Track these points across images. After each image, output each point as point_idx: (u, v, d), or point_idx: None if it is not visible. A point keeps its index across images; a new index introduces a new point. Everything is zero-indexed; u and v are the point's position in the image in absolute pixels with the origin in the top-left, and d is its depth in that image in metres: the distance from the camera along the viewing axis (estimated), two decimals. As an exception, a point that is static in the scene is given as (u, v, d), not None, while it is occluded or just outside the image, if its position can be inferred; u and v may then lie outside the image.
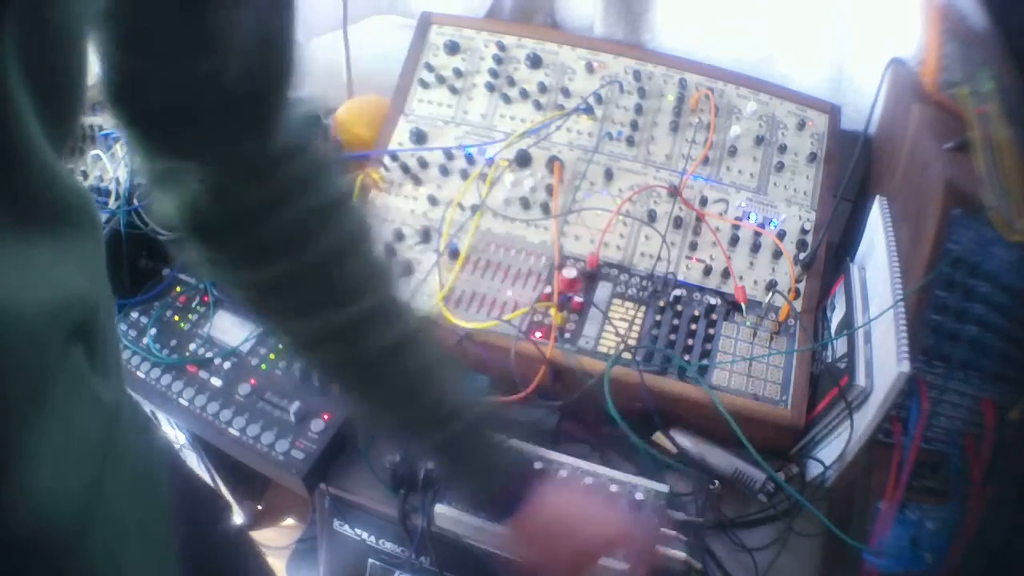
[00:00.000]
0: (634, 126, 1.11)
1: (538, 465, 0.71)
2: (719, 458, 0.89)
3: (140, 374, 1.03)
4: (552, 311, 0.96)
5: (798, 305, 0.98)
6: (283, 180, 0.55)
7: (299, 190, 0.56)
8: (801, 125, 1.12)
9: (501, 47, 1.17)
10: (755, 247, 1.02)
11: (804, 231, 1.04)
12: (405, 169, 1.11)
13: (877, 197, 0.94)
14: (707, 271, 1.01)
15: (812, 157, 1.10)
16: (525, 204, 1.07)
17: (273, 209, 0.55)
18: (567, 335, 0.96)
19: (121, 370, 0.53)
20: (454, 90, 1.16)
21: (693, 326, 0.96)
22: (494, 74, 1.16)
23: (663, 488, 0.85)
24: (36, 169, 0.38)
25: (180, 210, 0.54)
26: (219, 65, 0.47)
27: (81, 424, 0.44)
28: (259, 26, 0.48)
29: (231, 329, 1.04)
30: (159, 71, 0.47)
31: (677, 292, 0.99)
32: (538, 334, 0.95)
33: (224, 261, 0.57)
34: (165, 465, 0.63)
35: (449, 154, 1.11)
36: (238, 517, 1.48)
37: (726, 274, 1.01)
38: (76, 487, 0.43)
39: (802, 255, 1.02)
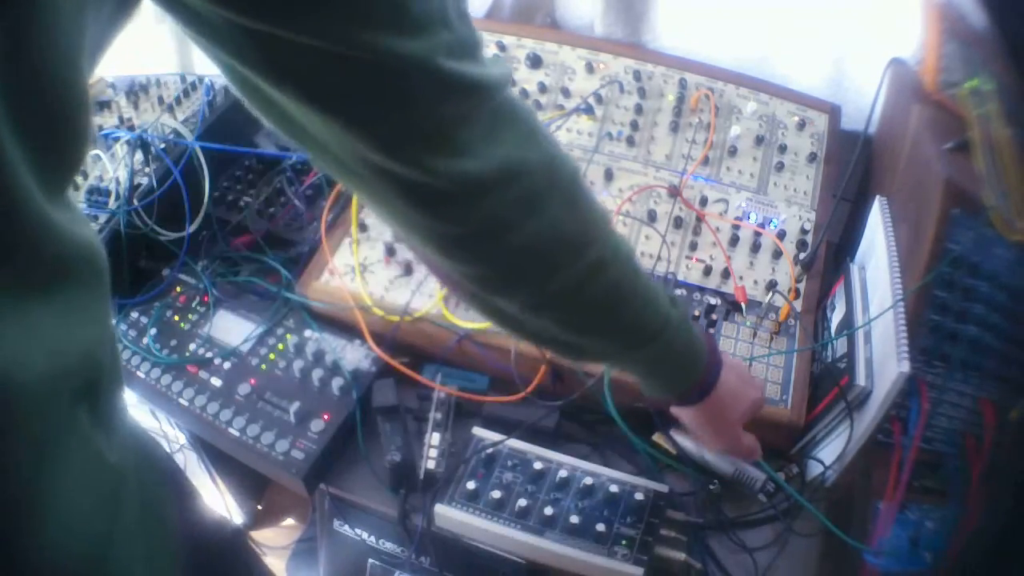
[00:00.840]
0: (634, 126, 1.11)
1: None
2: (719, 458, 0.89)
3: (140, 374, 1.03)
4: (552, 311, 0.96)
5: (798, 305, 0.98)
6: (511, 141, 0.52)
7: (522, 157, 0.53)
8: (801, 125, 1.12)
9: (501, 47, 1.17)
10: (755, 247, 1.02)
11: (804, 231, 1.04)
12: (405, 169, 1.11)
13: (877, 197, 0.94)
14: (707, 271, 1.01)
15: (812, 157, 1.10)
16: (525, 204, 1.07)
17: (509, 174, 0.52)
18: (567, 335, 0.96)
19: (125, 423, 0.52)
20: (454, 90, 1.16)
21: (693, 326, 0.96)
22: (494, 74, 1.16)
23: (663, 488, 0.85)
24: (32, 223, 0.36)
25: (419, 185, 0.50)
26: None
27: (89, 482, 0.43)
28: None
29: (231, 329, 1.04)
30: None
31: (677, 292, 0.99)
32: (538, 334, 0.95)
33: (461, 239, 0.54)
34: (174, 514, 0.63)
35: (449, 154, 1.11)
36: (238, 518, 1.48)
37: (726, 274, 1.01)
38: (87, 543, 0.43)
39: (802, 255, 1.02)
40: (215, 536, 0.79)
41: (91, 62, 0.40)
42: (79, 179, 1.13)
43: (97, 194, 1.13)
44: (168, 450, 1.27)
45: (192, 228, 1.08)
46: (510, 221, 0.53)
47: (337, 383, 0.94)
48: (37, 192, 0.36)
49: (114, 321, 0.52)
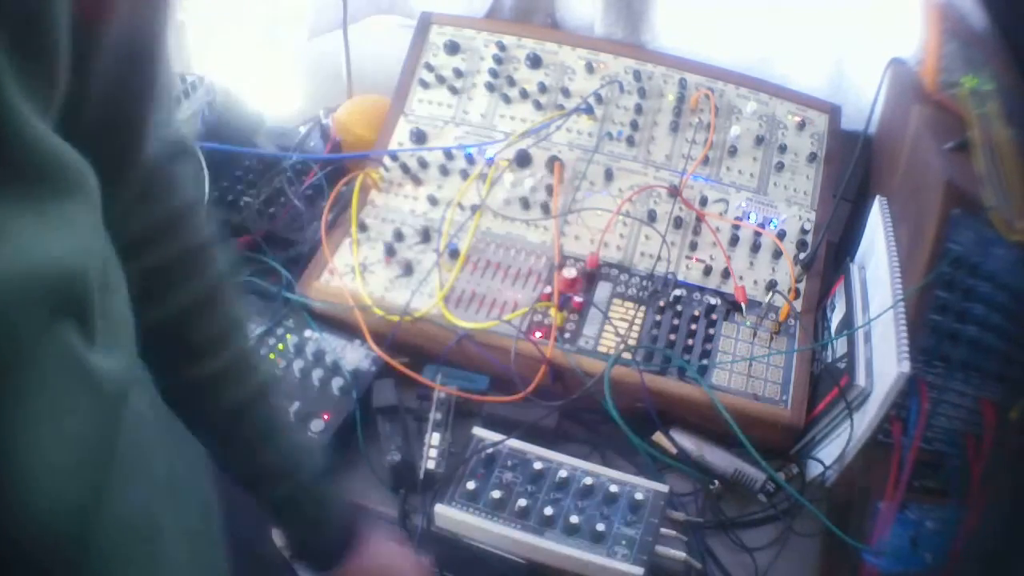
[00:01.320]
0: (634, 126, 1.11)
1: (363, 515, 0.75)
2: (719, 458, 0.89)
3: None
4: (552, 311, 0.96)
5: (798, 305, 0.98)
6: (149, 216, 0.52)
7: (165, 229, 0.54)
8: (801, 125, 1.12)
9: (501, 47, 1.17)
10: (755, 247, 1.02)
11: (804, 231, 1.04)
12: (405, 169, 1.11)
13: (877, 197, 0.94)
14: (707, 271, 1.01)
15: (812, 157, 1.10)
16: (525, 204, 1.07)
17: (137, 248, 0.51)
18: (567, 335, 0.96)
19: (134, 345, 0.49)
20: (454, 90, 1.16)
21: (693, 326, 0.96)
22: (494, 74, 1.16)
23: (663, 488, 0.85)
24: (13, 131, 0.35)
25: None
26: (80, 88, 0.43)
27: (79, 408, 0.41)
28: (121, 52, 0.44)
29: (231, 329, 1.04)
30: None
31: (677, 292, 0.99)
32: (538, 334, 0.95)
33: None
34: (204, 468, 0.61)
35: (449, 154, 1.11)
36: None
37: (726, 274, 1.01)
38: (74, 481, 0.40)
39: (802, 255, 1.02)
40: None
41: None
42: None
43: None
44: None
45: (192, 228, 1.08)
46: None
47: (337, 383, 0.94)
48: (21, 100, 0.35)
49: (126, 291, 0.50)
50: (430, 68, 1.18)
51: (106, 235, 0.45)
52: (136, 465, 0.46)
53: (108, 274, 0.45)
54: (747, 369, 0.92)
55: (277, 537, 0.73)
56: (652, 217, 1.05)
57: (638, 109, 1.12)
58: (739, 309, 0.97)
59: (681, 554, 0.81)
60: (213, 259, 0.58)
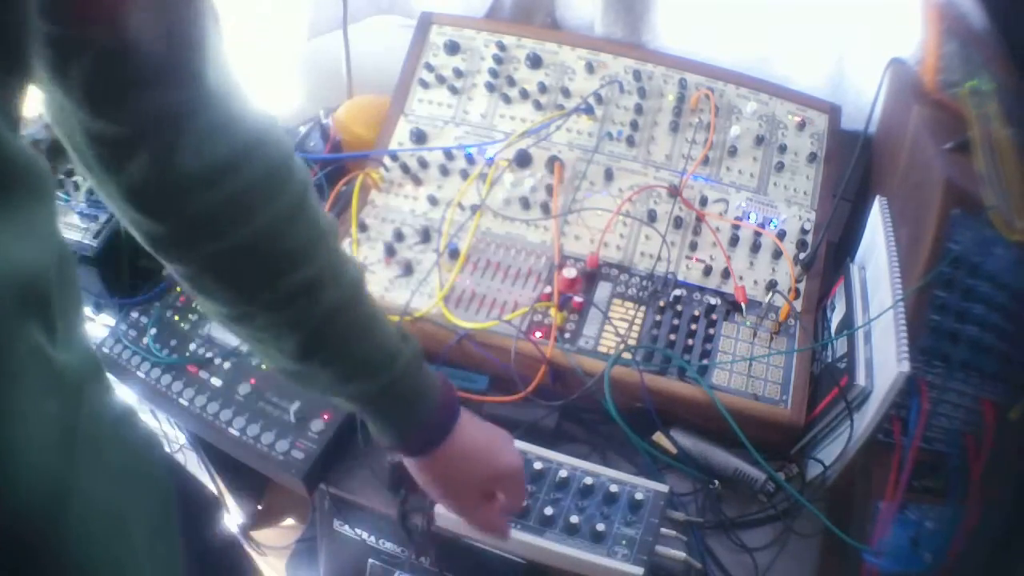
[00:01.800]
0: (634, 126, 1.11)
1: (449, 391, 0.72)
2: (719, 458, 0.89)
3: (140, 374, 1.03)
4: (552, 311, 0.96)
5: (798, 305, 0.98)
6: (228, 143, 0.53)
7: (244, 156, 0.54)
8: (801, 125, 1.12)
9: (501, 47, 1.17)
10: (755, 247, 1.02)
11: (804, 231, 1.04)
12: (405, 169, 1.11)
13: (877, 197, 0.94)
14: (707, 271, 1.01)
15: (812, 157, 1.10)
16: (525, 204, 1.07)
17: (220, 175, 0.53)
18: (567, 335, 0.96)
19: (87, 346, 0.52)
20: (454, 90, 1.16)
21: (693, 326, 0.96)
22: (494, 74, 1.16)
23: (663, 488, 0.85)
24: None
25: (119, 183, 0.52)
26: (123, 18, 0.45)
27: (45, 401, 0.42)
28: None
29: (231, 329, 1.04)
30: (84, 36, 0.45)
31: (677, 292, 0.99)
32: (538, 334, 0.95)
33: (165, 235, 0.55)
34: (159, 457, 0.62)
35: (449, 154, 1.11)
36: (238, 517, 1.48)
37: (726, 274, 1.01)
38: (46, 468, 0.42)
39: (802, 255, 1.02)
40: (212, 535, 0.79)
41: None
42: (78, 179, 1.13)
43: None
44: (168, 450, 1.27)
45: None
46: (216, 225, 0.54)
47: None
48: None
49: (79, 290, 0.52)
50: (430, 68, 1.18)
51: (59, 231, 0.46)
52: (95, 457, 0.48)
53: (63, 271, 0.46)
54: (747, 369, 0.92)
55: (372, 430, 0.71)
56: (652, 217, 1.05)
57: (638, 109, 1.12)
58: (739, 309, 0.97)
59: (681, 554, 0.81)
60: (295, 171, 0.58)
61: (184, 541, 0.60)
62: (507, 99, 1.15)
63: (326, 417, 0.93)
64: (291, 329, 0.60)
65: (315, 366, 0.63)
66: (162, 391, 1.01)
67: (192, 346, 1.04)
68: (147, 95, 0.49)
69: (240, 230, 0.55)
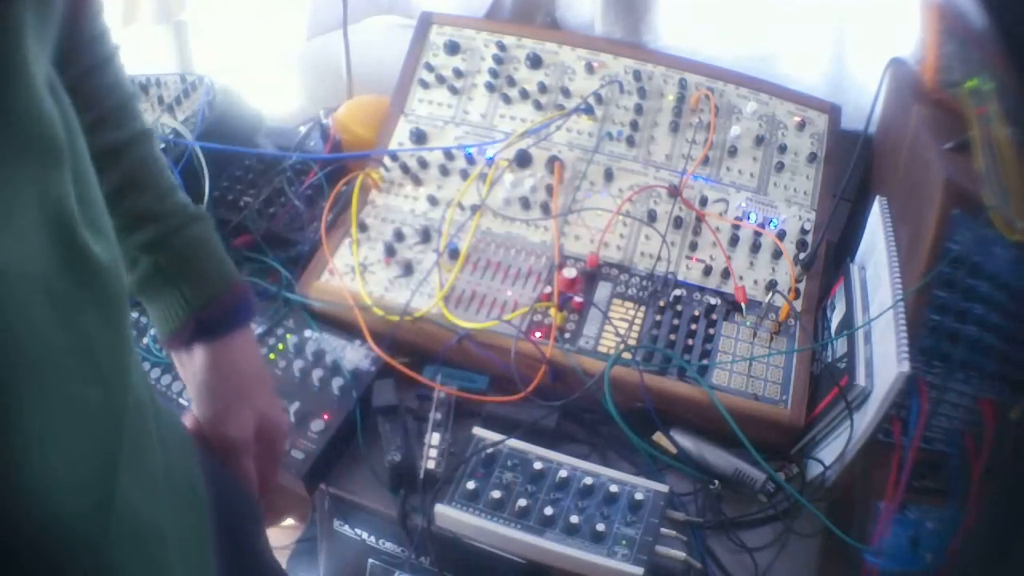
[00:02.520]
0: (634, 126, 1.11)
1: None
2: (719, 458, 0.89)
3: (140, 374, 1.03)
4: (552, 311, 0.96)
5: (798, 305, 0.98)
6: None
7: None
8: (801, 125, 1.12)
9: (501, 47, 1.17)
10: (755, 247, 1.02)
11: (804, 231, 1.04)
12: (405, 169, 1.11)
13: (877, 197, 0.94)
14: (707, 271, 1.01)
15: (812, 157, 1.10)
16: (525, 204, 1.07)
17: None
18: (567, 335, 0.96)
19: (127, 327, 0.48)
20: (454, 90, 1.16)
21: (693, 326, 0.96)
22: (494, 74, 1.16)
23: (663, 488, 0.85)
24: (33, 105, 0.37)
25: None
26: None
27: (88, 388, 0.39)
28: None
29: (231, 329, 1.04)
30: None
31: (677, 292, 0.99)
32: (538, 334, 0.95)
33: None
34: (200, 465, 0.59)
35: (449, 154, 1.11)
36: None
37: (726, 274, 1.01)
38: (87, 475, 0.39)
39: (802, 255, 1.02)
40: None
41: None
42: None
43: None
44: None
45: (192, 228, 1.08)
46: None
47: (337, 383, 0.94)
48: (34, 61, 0.37)
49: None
50: (430, 68, 1.18)
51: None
52: (137, 459, 0.45)
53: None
54: (747, 369, 0.92)
55: (152, 313, 0.67)
56: (652, 217, 1.05)
57: (638, 109, 1.12)
58: (739, 309, 0.97)
59: (681, 554, 0.81)
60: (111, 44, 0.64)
61: (219, 552, 0.57)
62: (507, 99, 1.15)
63: (326, 417, 0.93)
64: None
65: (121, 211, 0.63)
66: (162, 391, 1.01)
67: (192, 346, 1.04)
68: None
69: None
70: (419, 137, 1.13)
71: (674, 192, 1.05)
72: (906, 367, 0.73)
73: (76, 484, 0.38)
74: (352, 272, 1.02)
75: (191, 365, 0.69)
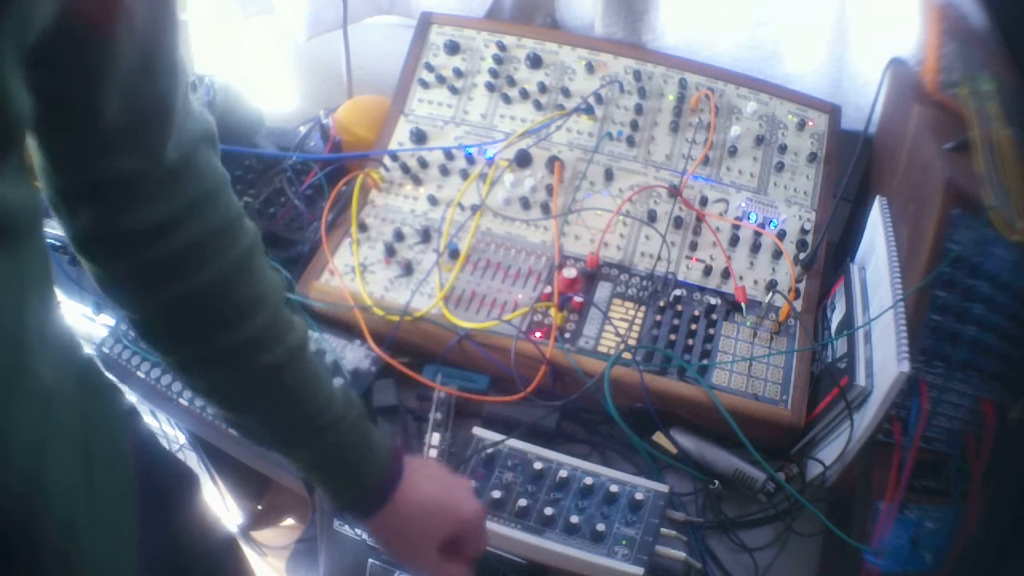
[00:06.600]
0: (634, 126, 1.11)
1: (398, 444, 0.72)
2: (719, 458, 0.89)
3: (140, 374, 1.03)
4: (552, 311, 0.96)
5: (798, 305, 0.98)
6: (174, 203, 0.55)
7: (190, 214, 0.56)
8: (801, 125, 1.12)
9: (501, 47, 1.17)
10: (755, 247, 1.02)
11: (804, 231, 1.04)
12: (405, 169, 1.11)
13: (877, 197, 0.94)
14: (707, 271, 1.01)
15: (812, 157, 1.10)
16: (525, 204, 1.07)
17: (163, 232, 0.55)
18: (567, 335, 0.96)
19: (66, 347, 0.53)
20: (454, 90, 1.16)
21: (693, 326, 0.96)
22: (494, 74, 1.16)
23: (663, 488, 0.85)
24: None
25: (74, 227, 0.54)
26: (98, 98, 0.47)
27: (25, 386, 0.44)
28: (136, 54, 0.47)
29: (231, 329, 1.04)
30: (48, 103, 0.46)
31: (677, 292, 0.99)
32: (538, 334, 0.95)
33: (113, 281, 0.57)
34: (126, 428, 0.63)
35: (449, 154, 1.11)
36: (238, 517, 1.48)
37: (726, 274, 1.01)
38: (23, 444, 0.43)
39: (802, 255, 1.02)
40: (205, 539, 0.78)
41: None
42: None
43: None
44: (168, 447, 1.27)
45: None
46: (154, 278, 0.56)
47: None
48: None
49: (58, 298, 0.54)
50: (430, 68, 1.18)
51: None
52: (63, 425, 0.49)
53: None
54: (747, 369, 0.92)
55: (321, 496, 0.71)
56: (652, 217, 1.05)
57: (638, 109, 1.12)
58: (739, 309, 0.97)
59: (681, 554, 0.81)
60: (241, 233, 0.60)
61: (152, 516, 0.61)
62: (507, 99, 1.15)
63: (326, 417, 0.93)
64: (227, 384, 0.62)
65: (253, 423, 0.64)
66: (162, 391, 1.01)
67: (192, 346, 1.04)
68: (101, 161, 0.51)
69: (184, 281, 0.56)
70: (419, 137, 1.13)
71: (674, 192, 1.05)
72: (906, 367, 0.73)
73: (7, 457, 0.43)
74: (352, 272, 1.02)
75: (373, 531, 0.73)
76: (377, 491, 0.68)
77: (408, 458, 0.71)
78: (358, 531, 0.95)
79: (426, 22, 1.21)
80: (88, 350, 0.62)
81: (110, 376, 0.64)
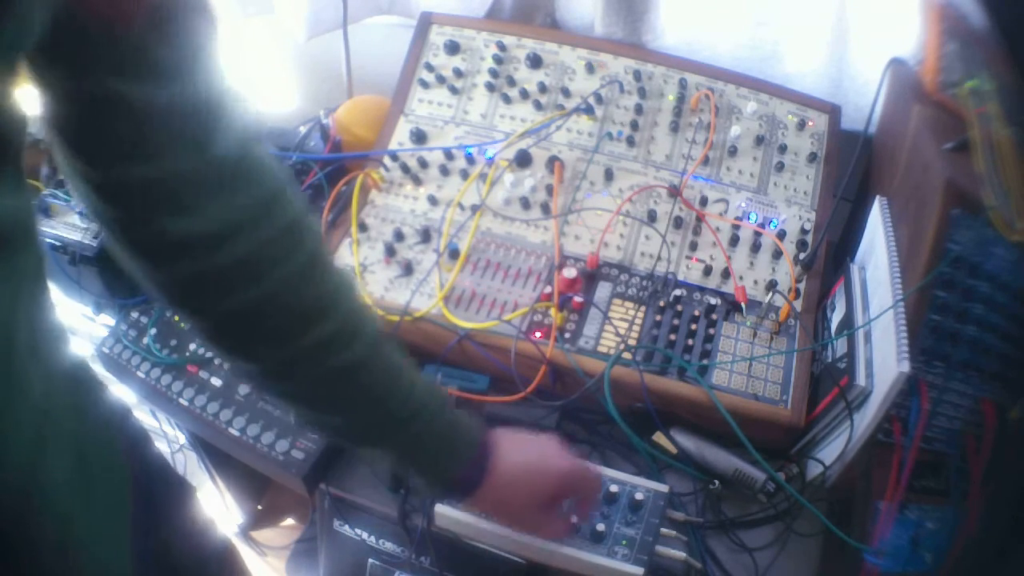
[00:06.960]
0: (634, 126, 1.11)
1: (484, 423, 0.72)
2: (719, 458, 0.89)
3: (140, 374, 1.03)
4: (552, 311, 0.96)
5: (798, 305, 0.98)
6: (236, 208, 0.54)
7: (253, 219, 0.54)
8: (801, 125, 1.12)
9: (501, 47, 1.17)
10: (755, 247, 1.02)
11: (804, 231, 1.04)
12: (405, 169, 1.11)
13: (877, 197, 0.94)
14: (707, 271, 1.01)
15: (812, 157, 1.10)
16: (525, 204, 1.07)
17: (227, 237, 0.53)
18: (567, 335, 0.96)
19: (61, 363, 0.52)
20: (454, 90, 1.16)
21: (693, 326, 0.96)
22: (494, 74, 1.16)
23: (663, 488, 0.85)
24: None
25: (121, 242, 0.53)
26: (152, 93, 0.47)
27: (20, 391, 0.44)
28: (188, 50, 0.47)
29: (231, 329, 1.04)
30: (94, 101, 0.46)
31: (677, 292, 0.99)
32: (538, 334, 0.95)
33: (179, 289, 0.56)
34: (119, 431, 0.63)
35: (449, 154, 1.11)
36: (238, 517, 1.48)
37: (726, 274, 1.01)
38: (20, 443, 0.44)
39: (802, 255, 1.02)
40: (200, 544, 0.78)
41: None
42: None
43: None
44: (169, 450, 1.27)
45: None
46: (224, 284, 0.55)
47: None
48: None
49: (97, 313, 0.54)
50: (430, 68, 1.18)
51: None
52: (59, 422, 0.49)
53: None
54: (747, 369, 0.92)
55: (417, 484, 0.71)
56: (652, 217, 1.05)
57: (638, 109, 1.12)
58: (739, 309, 0.97)
59: (681, 554, 0.81)
60: (308, 229, 0.59)
61: (146, 520, 0.61)
62: (507, 99, 1.15)
63: (326, 417, 0.93)
64: (313, 385, 0.61)
65: (339, 420, 0.64)
66: (162, 391, 1.01)
67: (192, 346, 1.04)
68: (147, 165, 0.50)
69: (251, 289, 0.55)
70: (419, 137, 1.13)
71: (674, 192, 1.05)
72: (906, 367, 0.73)
73: (4, 454, 0.43)
74: (352, 272, 1.02)
75: (478, 508, 0.76)
76: (470, 474, 0.69)
77: (495, 434, 0.72)
78: (358, 531, 0.95)
79: (426, 22, 1.21)
80: (88, 350, 0.62)
81: (101, 376, 0.64)
